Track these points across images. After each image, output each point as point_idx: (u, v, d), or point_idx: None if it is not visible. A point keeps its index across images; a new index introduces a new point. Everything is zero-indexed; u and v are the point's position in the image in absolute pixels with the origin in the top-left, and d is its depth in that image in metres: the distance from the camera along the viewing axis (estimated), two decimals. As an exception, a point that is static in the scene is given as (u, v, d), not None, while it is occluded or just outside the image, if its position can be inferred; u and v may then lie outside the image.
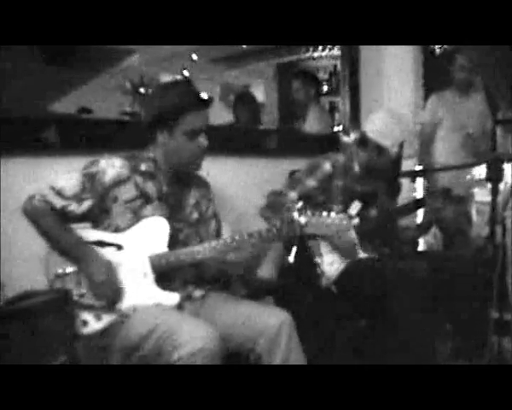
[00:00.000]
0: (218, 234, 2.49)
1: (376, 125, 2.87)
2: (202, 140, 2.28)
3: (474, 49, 4.09)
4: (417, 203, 3.15)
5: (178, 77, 2.62)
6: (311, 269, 2.82)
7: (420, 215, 3.21)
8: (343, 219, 2.19)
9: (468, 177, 3.80)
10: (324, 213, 2.18)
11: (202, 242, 2.36)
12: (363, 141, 2.92)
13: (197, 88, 2.35)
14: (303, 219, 2.18)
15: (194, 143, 2.27)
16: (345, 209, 2.79)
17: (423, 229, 3.16)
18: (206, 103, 2.32)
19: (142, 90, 4.38)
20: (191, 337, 1.95)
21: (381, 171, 2.92)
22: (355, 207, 2.70)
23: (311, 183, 2.91)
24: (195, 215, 2.42)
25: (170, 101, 2.25)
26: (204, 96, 2.35)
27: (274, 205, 2.87)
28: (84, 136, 2.78)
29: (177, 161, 2.31)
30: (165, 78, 4.55)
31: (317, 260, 2.82)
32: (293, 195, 2.88)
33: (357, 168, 2.95)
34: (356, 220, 2.23)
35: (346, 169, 2.94)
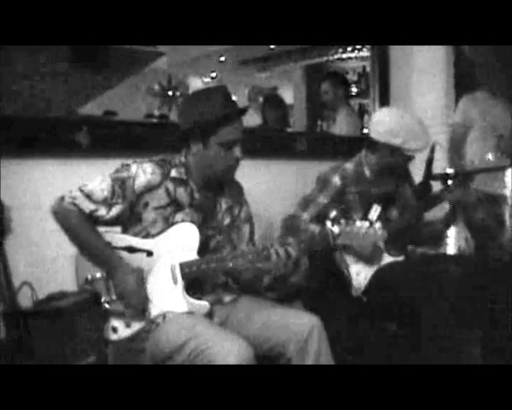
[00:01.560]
0: (251, 237, 2.48)
1: (383, 126, 2.82)
2: (237, 151, 2.23)
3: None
4: (442, 195, 3.13)
5: (215, 82, 2.56)
6: (340, 281, 2.82)
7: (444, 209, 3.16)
8: (378, 230, 2.15)
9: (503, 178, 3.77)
10: (358, 224, 2.13)
11: (234, 248, 2.37)
12: (371, 144, 2.89)
13: (232, 96, 2.29)
14: (336, 229, 2.13)
15: (229, 155, 2.22)
16: (365, 215, 2.78)
17: (448, 220, 3.10)
18: (242, 113, 2.29)
19: (170, 92, 4.44)
20: (225, 354, 1.92)
21: (397, 169, 2.90)
22: (375, 210, 2.67)
23: (324, 200, 2.85)
24: (227, 221, 2.39)
25: (208, 111, 2.19)
26: (241, 106, 2.31)
27: (291, 229, 2.83)
28: (115, 138, 2.80)
29: (211, 171, 2.26)
30: (196, 81, 4.59)
31: (344, 271, 2.81)
32: (305, 217, 2.83)
33: (368, 173, 2.93)
34: (378, 224, 2.19)
35: (358, 176, 2.90)
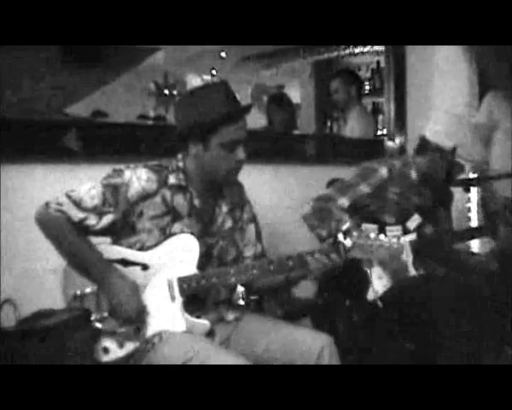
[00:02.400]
0: (258, 237, 2.45)
1: (440, 127, 2.87)
2: (240, 152, 2.19)
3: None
4: (478, 231, 3.13)
5: (215, 80, 2.54)
6: (358, 279, 2.80)
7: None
8: (393, 243, 2.12)
9: None
10: (372, 235, 2.10)
11: (240, 252, 2.37)
12: (423, 146, 2.91)
13: (235, 93, 2.26)
14: (349, 242, 2.10)
15: (232, 156, 2.19)
16: (399, 222, 2.78)
17: (495, 257, 3.12)
18: (246, 111, 2.26)
19: (166, 91, 4.42)
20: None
21: (440, 178, 2.90)
22: (414, 220, 2.66)
23: (365, 189, 2.87)
24: (229, 223, 2.36)
25: (208, 110, 2.15)
26: (243, 103, 2.29)
27: (321, 212, 2.80)
28: (107, 141, 2.79)
29: (212, 174, 2.23)
30: (195, 79, 4.57)
31: (366, 270, 2.79)
32: (343, 201, 2.83)
33: (414, 176, 2.93)
34: (413, 235, 2.18)
35: (404, 176, 2.92)
